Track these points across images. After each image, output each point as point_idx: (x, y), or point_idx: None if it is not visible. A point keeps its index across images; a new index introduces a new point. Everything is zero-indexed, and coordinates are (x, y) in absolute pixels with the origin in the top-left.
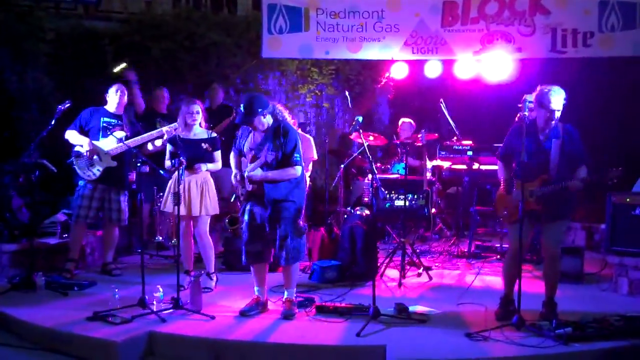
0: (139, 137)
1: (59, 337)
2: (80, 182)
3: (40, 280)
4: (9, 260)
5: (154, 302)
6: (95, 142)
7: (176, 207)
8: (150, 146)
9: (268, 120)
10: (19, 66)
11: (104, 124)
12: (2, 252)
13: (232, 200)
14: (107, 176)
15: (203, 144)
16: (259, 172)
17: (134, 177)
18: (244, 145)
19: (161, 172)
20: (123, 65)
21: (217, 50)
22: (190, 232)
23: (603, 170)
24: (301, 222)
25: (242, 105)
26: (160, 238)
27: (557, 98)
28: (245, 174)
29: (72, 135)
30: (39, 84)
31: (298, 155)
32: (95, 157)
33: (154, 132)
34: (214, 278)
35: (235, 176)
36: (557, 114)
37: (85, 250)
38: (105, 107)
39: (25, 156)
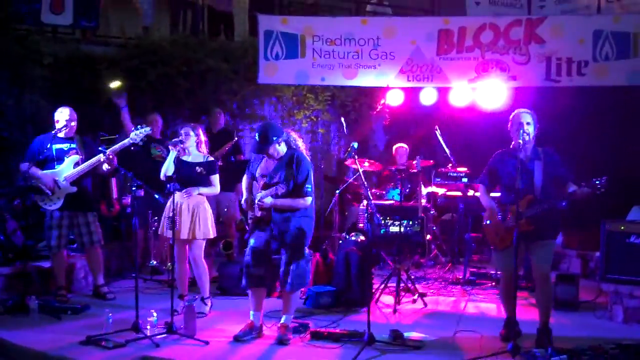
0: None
1: None
2: (47, 213)
3: (34, 304)
4: (2, 283)
5: (148, 327)
6: (50, 171)
7: (170, 231)
8: (105, 166)
9: (282, 148)
10: (16, 89)
11: (57, 151)
12: None
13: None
14: (71, 202)
15: (197, 168)
16: (269, 200)
17: (129, 201)
18: (256, 169)
19: (156, 196)
20: (118, 84)
21: (214, 75)
22: (185, 256)
23: (587, 181)
24: (307, 250)
25: (256, 134)
26: (155, 262)
27: (525, 115)
28: (256, 201)
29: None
30: (35, 107)
31: (310, 186)
32: (52, 187)
33: (125, 141)
34: (209, 303)
35: (245, 200)
36: (528, 128)
37: (79, 274)
38: (54, 132)
39: (20, 179)
